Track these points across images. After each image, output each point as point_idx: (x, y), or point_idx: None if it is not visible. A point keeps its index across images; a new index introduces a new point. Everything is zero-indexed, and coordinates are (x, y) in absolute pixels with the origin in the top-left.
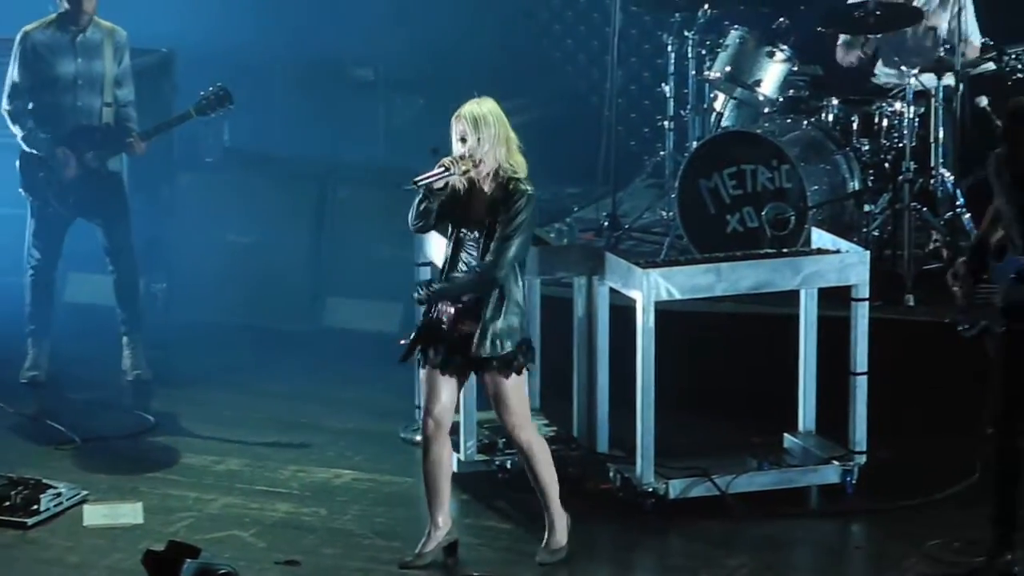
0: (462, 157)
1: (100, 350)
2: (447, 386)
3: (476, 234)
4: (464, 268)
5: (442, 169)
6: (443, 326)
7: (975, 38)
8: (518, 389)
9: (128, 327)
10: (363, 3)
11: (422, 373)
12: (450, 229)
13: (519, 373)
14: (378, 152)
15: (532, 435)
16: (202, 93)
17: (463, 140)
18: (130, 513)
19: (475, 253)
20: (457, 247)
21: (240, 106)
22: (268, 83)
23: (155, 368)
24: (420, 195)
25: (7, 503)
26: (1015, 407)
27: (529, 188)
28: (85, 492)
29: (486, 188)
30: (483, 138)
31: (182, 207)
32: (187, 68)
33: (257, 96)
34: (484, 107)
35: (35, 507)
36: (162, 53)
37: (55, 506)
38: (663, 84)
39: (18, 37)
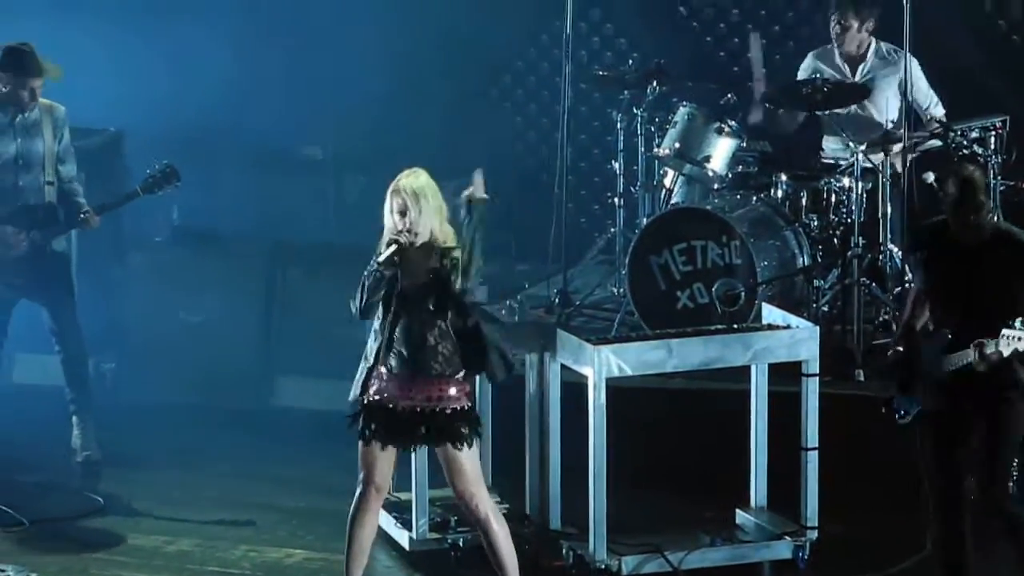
0: (405, 231)
1: (48, 432)
2: (389, 458)
3: (417, 306)
4: (401, 342)
5: (395, 247)
6: (387, 400)
7: (936, 110)
8: (473, 458)
9: (77, 406)
10: (311, 83)
11: (363, 446)
12: (391, 304)
13: (471, 444)
14: (328, 230)
15: (490, 506)
16: (148, 171)
17: (402, 214)
18: None
19: (416, 327)
20: (395, 320)
21: (189, 184)
22: (217, 161)
23: (104, 448)
24: (370, 279)
25: None
26: (953, 492)
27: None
28: (34, 574)
29: (421, 259)
30: (423, 211)
31: (131, 286)
32: (137, 147)
33: (206, 174)
34: (421, 180)
35: None
36: (111, 132)
37: None
38: (613, 161)
39: None
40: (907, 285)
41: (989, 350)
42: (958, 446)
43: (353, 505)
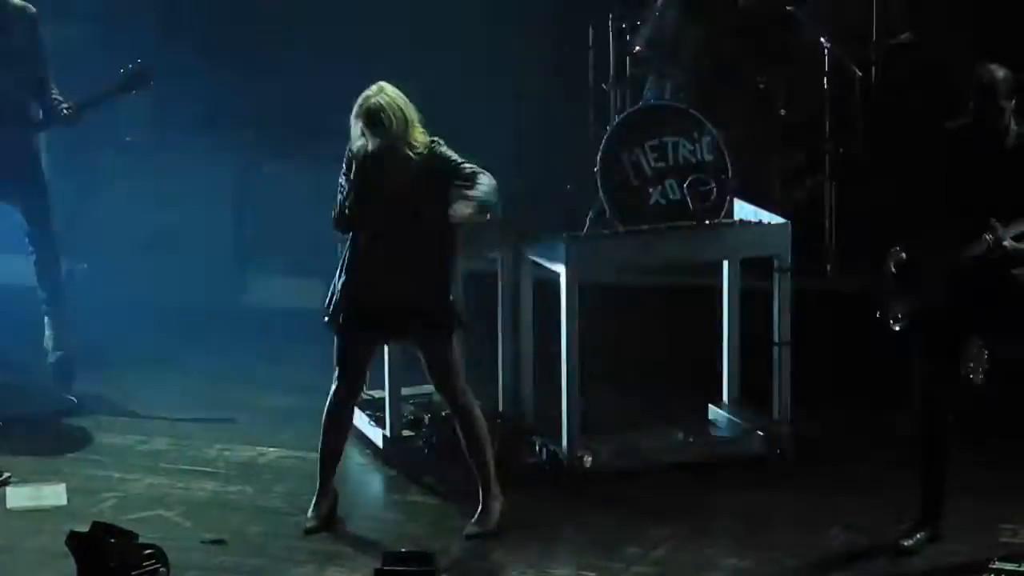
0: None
1: (21, 332)
2: (366, 355)
3: (399, 210)
4: (383, 246)
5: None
6: (366, 295)
7: None
8: (455, 352)
9: (49, 306)
10: None
11: (339, 342)
12: (369, 212)
13: (451, 337)
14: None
15: (470, 398)
16: (121, 71)
17: (371, 130)
18: (53, 495)
19: (398, 231)
20: (376, 225)
21: (160, 82)
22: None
23: (77, 348)
24: (351, 185)
25: None
26: (944, 383)
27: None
28: (7, 474)
29: (399, 168)
30: (390, 126)
31: (103, 186)
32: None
33: (176, 73)
34: (385, 95)
35: None
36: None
37: None
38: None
39: None
40: None
41: (999, 232)
42: (959, 343)
43: (328, 402)
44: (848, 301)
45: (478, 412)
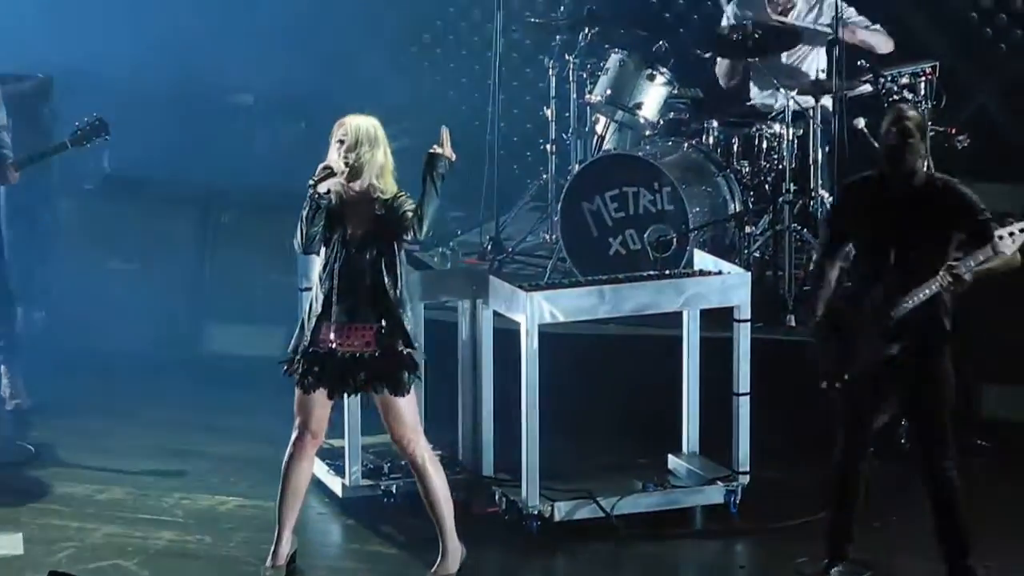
0: (342, 161)
1: None
2: (325, 404)
3: (360, 253)
4: (344, 289)
5: (327, 170)
6: (327, 346)
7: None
8: (411, 404)
9: (5, 355)
10: (241, 28)
11: (300, 392)
12: (333, 250)
13: (408, 390)
14: (259, 177)
15: (428, 452)
16: (77, 124)
17: (341, 142)
18: (9, 544)
19: (357, 275)
20: (338, 267)
21: (120, 132)
22: (148, 109)
23: (35, 397)
24: (307, 209)
25: None
26: (863, 438)
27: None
28: None
29: (364, 206)
30: (362, 150)
31: (62, 234)
32: (66, 94)
33: (137, 122)
34: (370, 122)
35: None
36: (39, 79)
37: None
38: (545, 108)
39: None
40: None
41: (960, 270)
42: (881, 398)
43: (288, 451)
44: (808, 351)
45: (435, 464)
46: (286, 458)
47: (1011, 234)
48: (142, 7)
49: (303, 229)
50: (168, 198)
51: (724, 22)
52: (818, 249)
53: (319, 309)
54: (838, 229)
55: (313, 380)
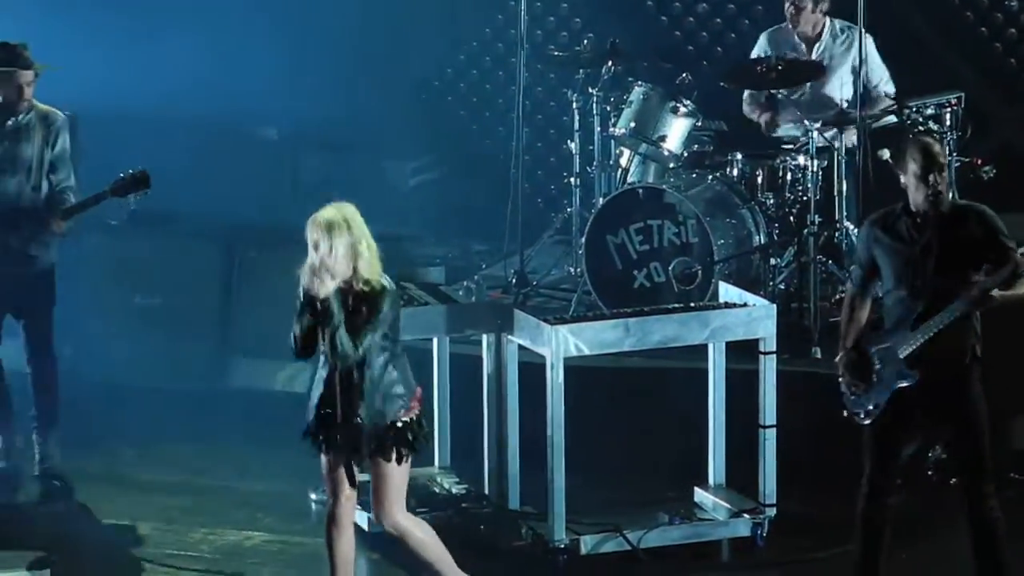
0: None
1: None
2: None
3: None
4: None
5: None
6: (337, 415)
7: (887, 87)
8: (404, 471)
9: (40, 424)
10: (266, 62)
11: (324, 459)
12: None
13: (406, 459)
14: (284, 211)
15: (407, 517)
16: (121, 175)
17: (315, 247)
18: None
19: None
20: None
21: (145, 167)
22: (172, 144)
23: (62, 430)
24: (298, 310)
25: None
26: (891, 471)
27: (386, 283)
28: None
29: (349, 299)
30: (335, 245)
31: (88, 270)
32: (92, 130)
33: (162, 158)
34: (341, 212)
35: None
36: (66, 116)
37: None
38: (569, 141)
39: None
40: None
41: (986, 285)
42: (909, 429)
43: (326, 519)
44: (834, 383)
45: (416, 528)
46: (326, 528)
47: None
48: (165, 43)
49: (297, 336)
50: (192, 233)
51: (755, 53)
52: (849, 283)
53: (322, 379)
54: (867, 263)
55: (331, 447)
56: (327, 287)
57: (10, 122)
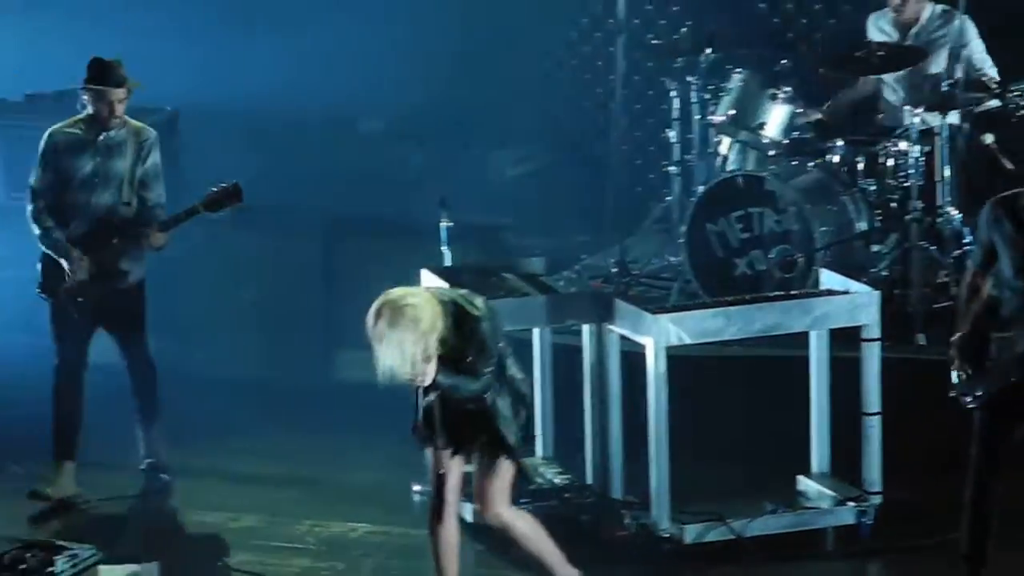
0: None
1: (111, 409)
2: (456, 466)
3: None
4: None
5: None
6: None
7: (990, 71)
8: (510, 467)
9: (142, 416)
10: (370, 55)
11: (429, 454)
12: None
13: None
14: (386, 203)
15: (510, 509)
16: (213, 188)
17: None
18: (146, 573)
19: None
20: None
21: (245, 161)
22: (272, 137)
23: (166, 425)
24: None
25: (22, 566)
26: (998, 457)
27: (477, 311)
28: (100, 553)
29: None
30: (406, 354)
31: (191, 263)
32: (192, 126)
33: (264, 150)
34: (397, 324)
35: (51, 569)
36: (167, 112)
37: (71, 568)
38: (667, 129)
39: (44, 136)
40: (965, 248)
41: None
42: (1018, 417)
43: (429, 512)
44: (938, 369)
45: (523, 522)
46: (428, 524)
47: None
48: (263, 36)
49: (418, 429)
50: (295, 227)
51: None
52: (969, 262)
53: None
54: (987, 245)
55: (436, 442)
56: (431, 374)
57: (102, 137)
